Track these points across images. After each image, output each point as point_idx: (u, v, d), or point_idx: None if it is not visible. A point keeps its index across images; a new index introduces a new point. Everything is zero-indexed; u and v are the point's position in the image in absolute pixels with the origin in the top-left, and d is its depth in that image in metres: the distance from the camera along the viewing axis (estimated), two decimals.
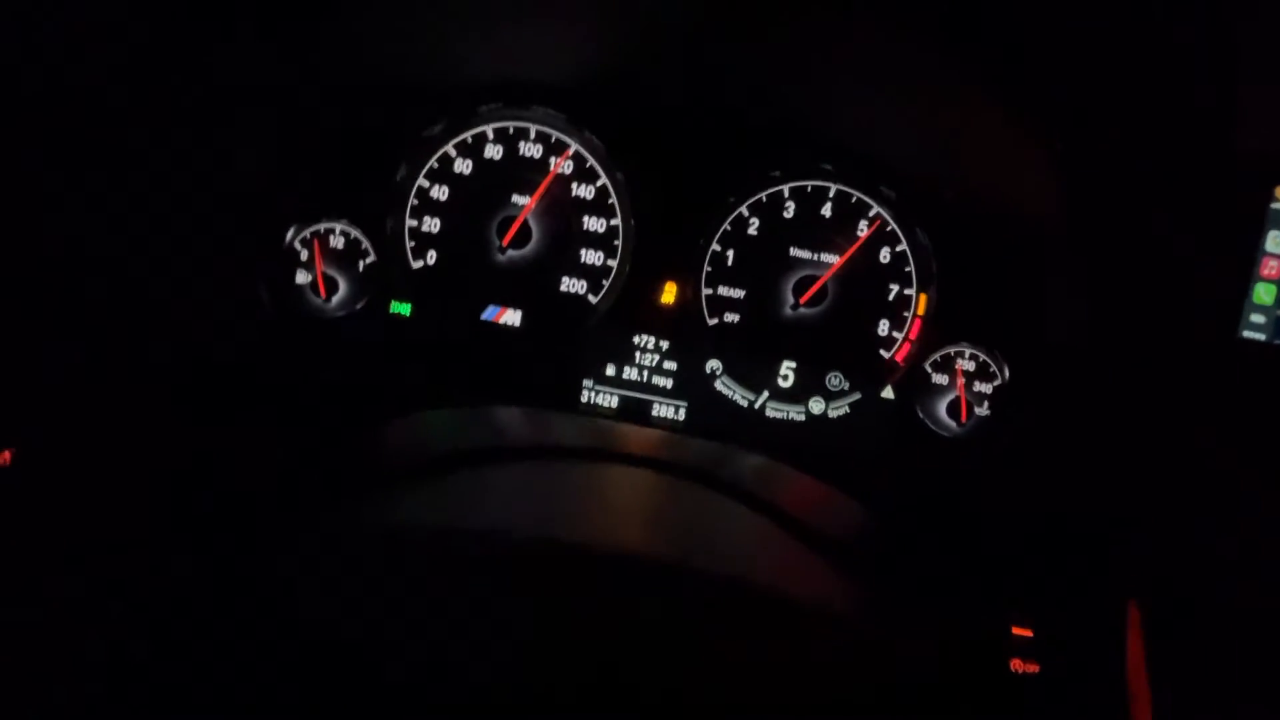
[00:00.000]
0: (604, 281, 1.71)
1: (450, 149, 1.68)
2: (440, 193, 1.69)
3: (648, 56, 1.57)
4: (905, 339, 1.68)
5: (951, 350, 1.68)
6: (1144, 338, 1.38)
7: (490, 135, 1.68)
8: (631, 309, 1.70)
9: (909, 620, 1.17)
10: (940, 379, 1.69)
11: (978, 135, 1.48)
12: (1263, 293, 1.38)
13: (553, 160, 1.68)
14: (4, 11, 1.14)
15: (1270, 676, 1.20)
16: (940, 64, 1.36)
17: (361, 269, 1.71)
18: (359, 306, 1.71)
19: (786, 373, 1.70)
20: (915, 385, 1.70)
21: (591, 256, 1.70)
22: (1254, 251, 1.38)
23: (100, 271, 1.35)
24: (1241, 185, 1.35)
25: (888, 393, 1.71)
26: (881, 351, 1.69)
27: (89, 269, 1.34)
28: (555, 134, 1.68)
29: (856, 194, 1.66)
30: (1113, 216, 1.36)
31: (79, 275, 1.32)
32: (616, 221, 1.69)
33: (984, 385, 1.68)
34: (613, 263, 1.70)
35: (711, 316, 1.71)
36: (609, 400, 1.72)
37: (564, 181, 1.69)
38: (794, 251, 1.68)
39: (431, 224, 1.70)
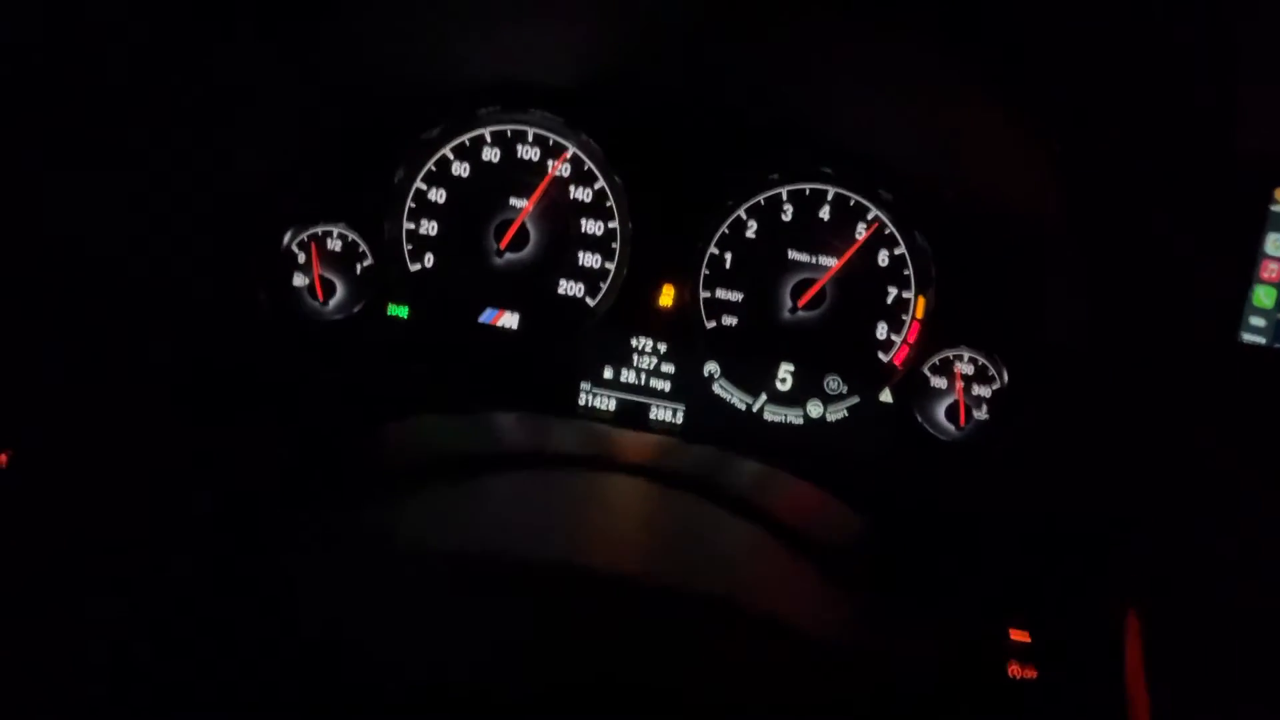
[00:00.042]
0: (602, 284, 1.71)
1: (448, 152, 1.68)
2: (438, 195, 1.69)
3: (646, 59, 1.57)
4: (904, 342, 1.68)
5: (950, 353, 1.68)
6: (1144, 340, 1.37)
7: (488, 138, 1.68)
8: (629, 312, 1.70)
9: (907, 624, 1.17)
10: (939, 382, 1.69)
11: (977, 136, 1.48)
12: (1262, 295, 1.38)
13: (550, 163, 1.68)
14: (4, 11, 1.14)
15: (1270, 677, 1.19)
16: (940, 64, 1.36)
17: (359, 272, 1.71)
18: (356, 309, 1.71)
19: (785, 376, 1.70)
20: (914, 389, 1.69)
21: (589, 259, 1.70)
22: (1254, 254, 1.37)
23: (100, 272, 1.35)
24: (1241, 187, 1.35)
25: (886, 396, 1.70)
26: (880, 355, 1.69)
27: (89, 269, 1.34)
28: (553, 137, 1.68)
29: (855, 197, 1.66)
30: (1113, 218, 1.35)
31: (79, 275, 1.33)
32: (614, 224, 1.69)
33: (983, 389, 1.68)
34: (610, 265, 1.70)
35: (709, 319, 1.70)
36: (607, 403, 1.71)
37: (562, 184, 1.69)
38: (792, 254, 1.68)
39: (429, 227, 1.70)
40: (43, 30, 1.17)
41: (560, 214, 1.69)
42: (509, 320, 1.72)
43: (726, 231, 1.68)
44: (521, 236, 1.68)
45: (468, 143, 1.68)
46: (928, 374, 1.69)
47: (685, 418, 1.71)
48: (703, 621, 1.01)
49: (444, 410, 1.52)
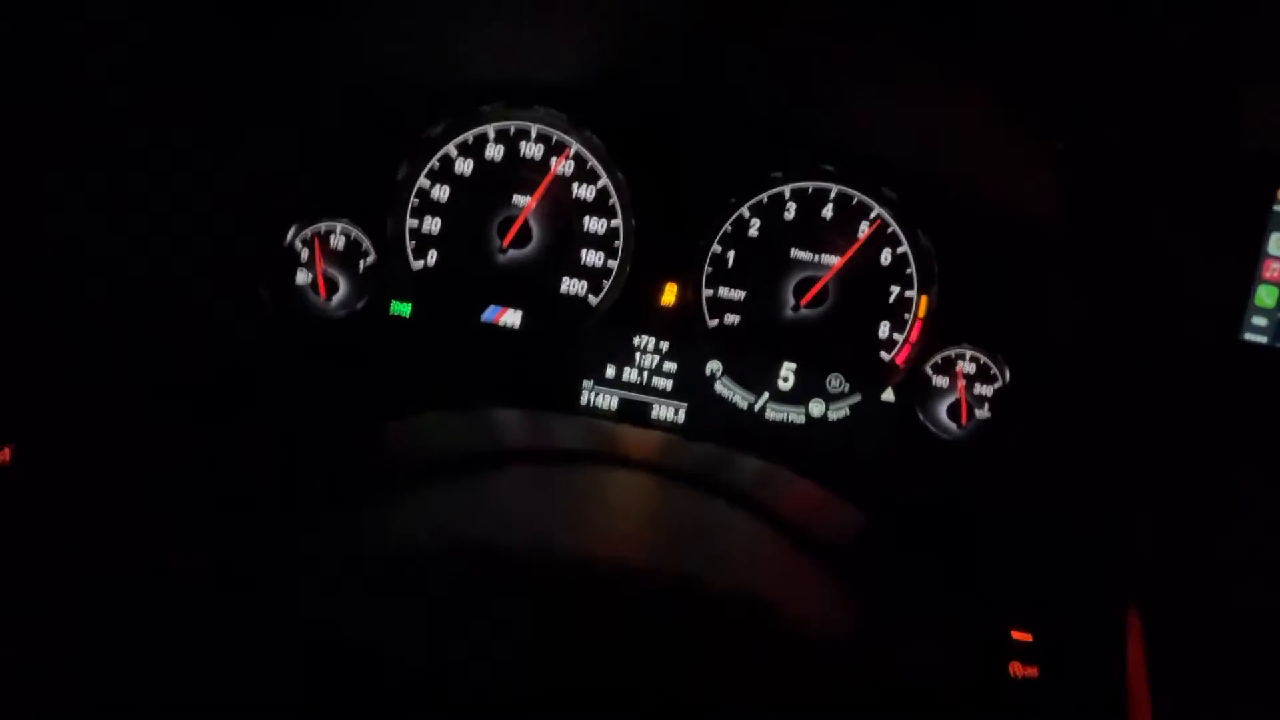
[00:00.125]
0: (604, 282, 1.71)
1: (451, 149, 1.68)
2: (441, 193, 1.69)
3: (649, 57, 1.57)
4: (906, 341, 1.68)
5: (952, 352, 1.68)
6: (1145, 340, 1.38)
7: (491, 135, 1.68)
8: (632, 310, 1.70)
9: (908, 623, 1.17)
10: (941, 381, 1.69)
11: (979, 136, 1.48)
12: (1264, 295, 1.38)
13: (553, 160, 1.68)
14: (5, 11, 1.14)
15: (1270, 676, 1.19)
16: (941, 64, 1.36)
17: (362, 269, 1.71)
18: (359, 306, 1.71)
19: (787, 374, 1.70)
20: (916, 387, 1.70)
21: (592, 257, 1.70)
22: (1256, 254, 1.37)
23: (100, 271, 1.35)
24: (1244, 187, 1.35)
25: (888, 395, 1.70)
26: (882, 353, 1.69)
27: (89, 269, 1.34)
28: (556, 134, 1.68)
29: (858, 195, 1.66)
30: (1114, 218, 1.35)
31: (79, 275, 1.32)
32: (617, 222, 1.69)
33: (985, 387, 1.68)
34: (613, 263, 1.70)
35: (712, 318, 1.70)
36: (608, 401, 1.72)
37: (565, 182, 1.69)
38: (795, 253, 1.68)
39: (432, 224, 1.70)
40: (44, 30, 1.17)
41: (563, 212, 1.69)
42: (511, 318, 1.72)
43: (729, 229, 1.68)
44: (524, 234, 1.69)
45: (471, 140, 1.68)
46: (930, 373, 1.69)
47: (687, 416, 1.72)
48: (703, 619, 1.01)
49: (446, 408, 1.52)
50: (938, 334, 1.68)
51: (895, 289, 1.68)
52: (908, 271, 1.67)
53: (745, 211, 1.67)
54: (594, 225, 1.70)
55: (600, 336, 1.71)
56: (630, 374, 1.71)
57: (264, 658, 0.93)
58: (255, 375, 1.63)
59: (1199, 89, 1.22)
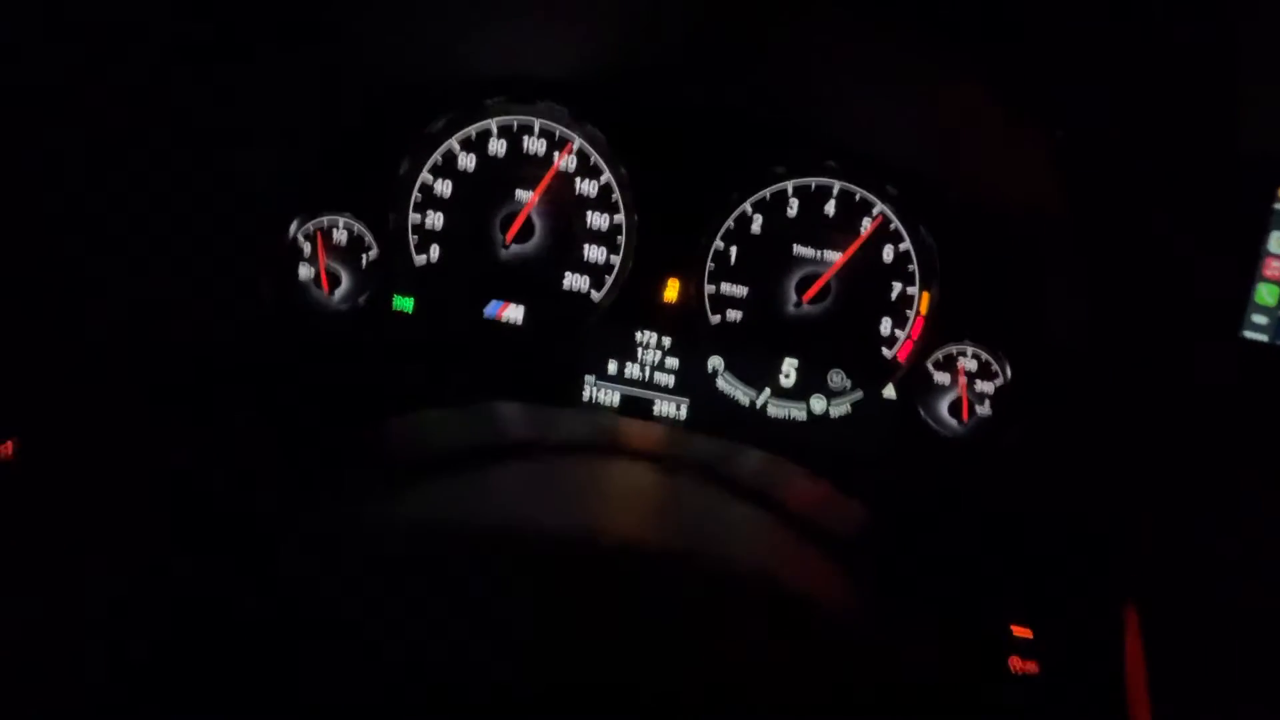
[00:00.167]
0: (606, 278, 1.71)
1: (454, 144, 1.68)
2: (444, 188, 1.69)
3: (651, 53, 1.57)
4: (907, 337, 1.69)
5: (954, 349, 1.69)
6: (1146, 338, 1.38)
7: (494, 130, 1.68)
8: (634, 306, 1.71)
9: (909, 619, 1.17)
10: (942, 378, 1.70)
11: (979, 136, 1.48)
12: (1265, 293, 1.38)
13: (556, 156, 1.68)
14: (12, 11, 1.14)
15: (1270, 676, 1.20)
16: (941, 64, 1.36)
17: (364, 264, 1.71)
18: (361, 301, 1.72)
19: (788, 371, 1.71)
20: (917, 384, 1.70)
21: (594, 253, 1.71)
22: (1256, 252, 1.38)
23: (103, 268, 1.35)
24: (1245, 185, 1.35)
25: (889, 391, 1.71)
26: (884, 350, 1.70)
27: (91, 265, 1.34)
28: (559, 129, 1.68)
29: (860, 192, 1.67)
30: (1115, 217, 1.36)
31: (81, 271, 1.33)
32: (620, 218, 1.70)
33: (986, 384, 1.68)
34: (615, 259, 1.70)
35: (714, 314, 1.71)
36: (610, 397, 1.72)
37: (567, 178, 1.69)
38: (797, 249, 1.68)
39: (435, 219, 1.70)
40: (46, 29, 1.17)
41: (566, 207, 1.70)
42: (514, 313, 1.72)
43: (731, 226, 1.68)
44: (527, 229, 1.69)
45: (474, 135, 1.68)
46: (931, 369, 1.70)
47: (689, 412, 1.72)
48: (708, 606, 1.02)
49: (447, 403, 1.52)
50: (939, 331, 1.68)
51: (897, 286, 1.68)
52: (910, 268, 1.67)
53: (748, 208, 1.68)
54: (596, 221, 1.70)
55: (602, 332, 1.71)
56: (632, 370, 1.71)
57: (266, 653, 0.93)
58: (257, 369, 1.63)
59: (1199, 89, 1.22)
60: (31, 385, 1.28)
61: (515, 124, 1.68)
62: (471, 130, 1.68)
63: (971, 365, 1.68)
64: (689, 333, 1.71)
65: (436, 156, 1.68)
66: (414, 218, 1.70)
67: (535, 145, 1.68)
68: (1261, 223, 1.37)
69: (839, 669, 1.03)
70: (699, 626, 1.01)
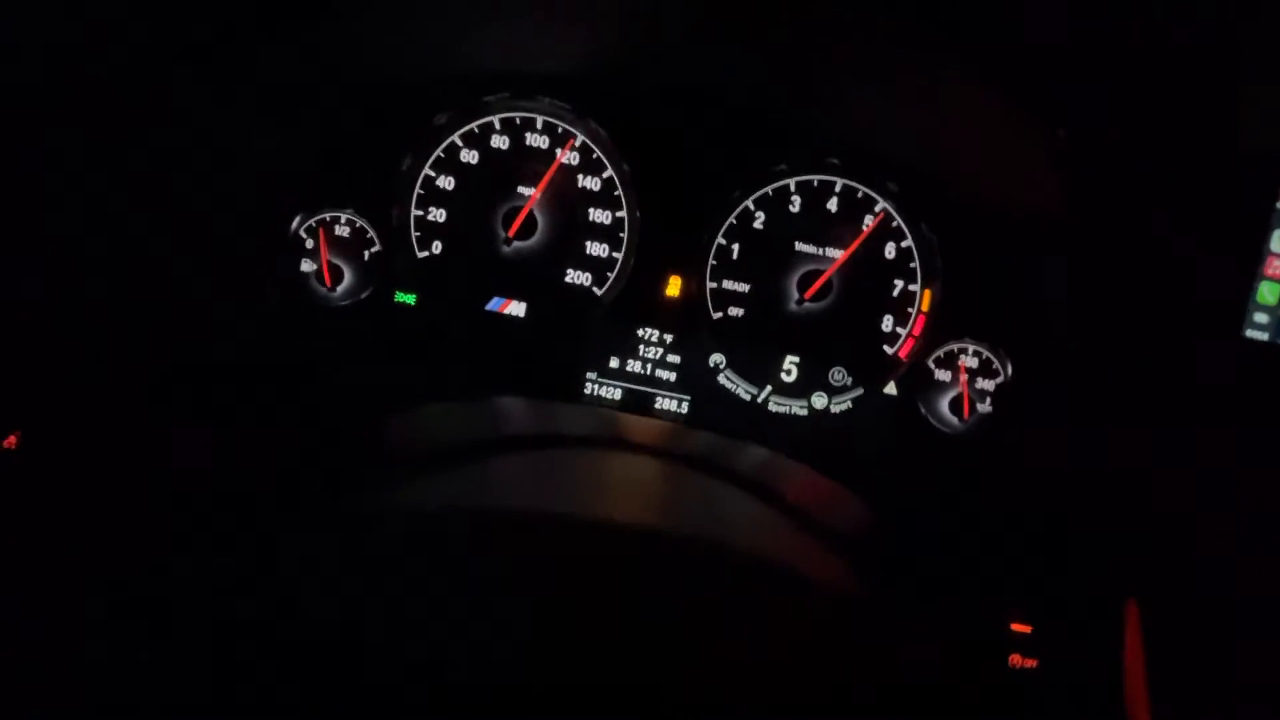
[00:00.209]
0: (609, 274, 1.71)
1: (457, 139, 1.68)
2: (446, 183, 1.69)
3: (653, 48, 1.57)
4: (909, 335, 1.69)
5: (955, 346, 1.69)
6: (1146, 337, 1.38)
7: (497, 125, 1.68)
8: (636, 302, 1.71)
9: (909, 615, 1.18)
10: (943, 375, 1.70)
11: (979, 135, 1.48)
12: (1266, 292, 1.38)
13: (558, 151, 1.68)
14: (8, 9, 1.14)
15: (1270, 676, 1.20)
16: (941, 64, 1.36)
17: (367, 258, 1.72)
18: (364, 296, 1.72)
19: (790, 367, 1.71)
20: (918, 381, 1.70)
21: (597, 248, 1.71)
22: (1258, 251, 1.38)
23: (105, 262, 1.36)
24: (1246, 185, 1.35)
25: (890, 389, 1.71)
26: (885, 347, 1.70)
27: (93, 260, 1.34)
28: (562, 125, 1.68)
29: (862, 189, 1.67)
30: (1116, 215, 1.36)
31: (83, 267, 1.33)
32: (622, 214, 1.70)
33: (986, 382, 1.68)
34: (618, 255, 1.71)
35: (716, 310, 1.71)
36: (612, 393, 1.72)
37: (570, 173, 1.69)
38: (799, 246, 1.68)
39: (437, 214, 1.70)
40: (47, 26, 1.17)
41: (568, 203, 1.70)
42: (516, 309, 1.72)
43: (734, 222, 1.68)
44: (529, 225, 1.69)
45: (476, 130, 1.68)
46: (932, 367, 1.70)
47: (690, 408, 1.72)
48: (702, 613, 1.02)
49: (449, 398, 1.52)
50: (941, 328, 1.68)
51: (899, 283, 1.68)
52: (911, 265, 1.67)
53: (750, 204, 1.68)
54: (599, 216, 1.70)
55: (604, 328, 1.71)
56: (634, 366, 1.72)
57: (265, 654, 0.94)
58: (259, 364, 1.64)
59: (1199, 89, 1.22)
60: (33, 384, 1.28)
61: (518, 119, 1.68)
62: (474, 125, 1.68)
63: (972, 363, 1.68)
64: (691, 329, 1.71)
65: (439, 151, 1.68)
66: (417, 212, 1.70)
67: (538, 140, 1.68)
68: (1263, 222, 1.37)
69: (839, 665, 1.03)
70: (700, 625, 1.01)
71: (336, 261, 1.71)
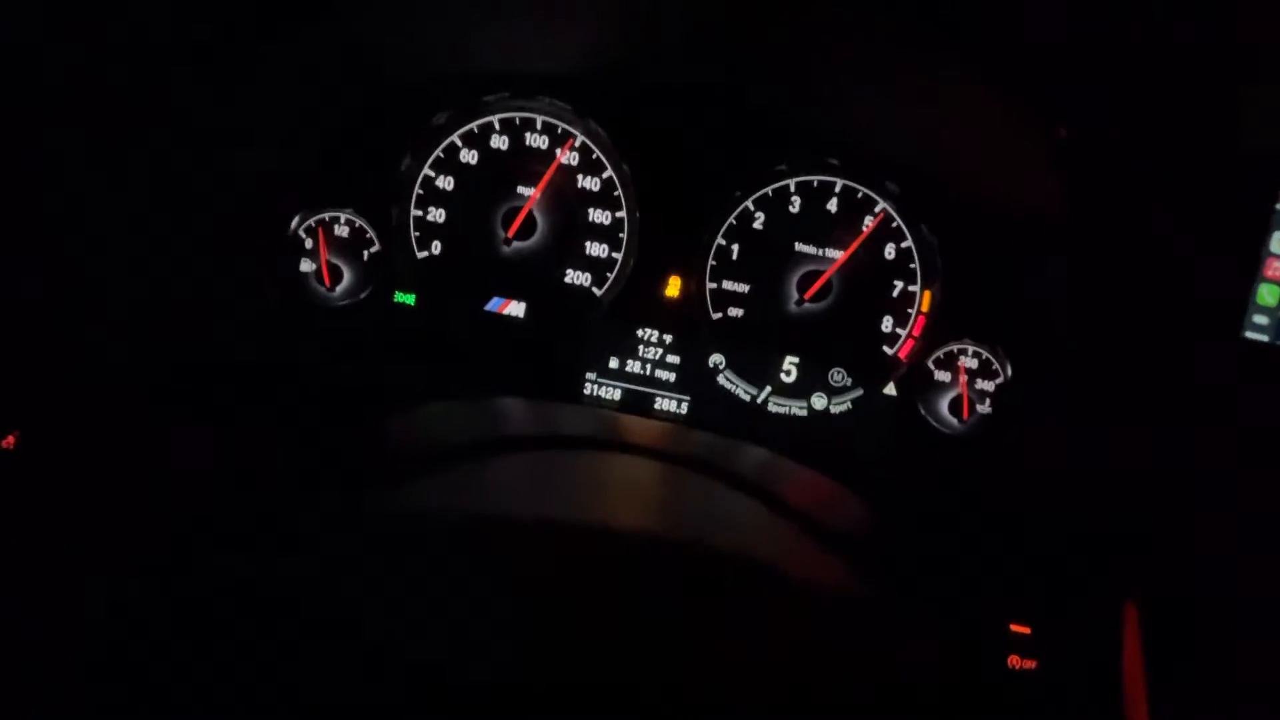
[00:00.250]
0: (609, 274, 1.71)
1: (456, 139, 1.68)
2: (446, 183, 1.69)
3: (653, 49, 1.57)
4: (909, 335, 1.69)
5: (954, 347, 1.69)
6: (1146, 337, 1.38)
7: (496, 125, 1.68)
8: (635, 302, 1.71)
9: (909, 616, 1.18)
10: (943, 376, 1.70)
11: (979, 136, 1.48)
12: (1266, 294, 1.38)
13: (558, 151, 1.68)
14: (9, 9, 1.14)
15: (1270, 677, 1.20)
16: (941, 64, 1.36)
17: (366, 258, 1.72)
18: (363, 296, 1.72)
19: (789, 368, 1.71)
20: (917, 382, 1.70)
21: (597, 249, 1.71)
22: (1257, 252, 1.38)
23: (105, 262, 1.36)
24: (1246, 186, 1.35)
25: (890, 389, 1.71)
26: (885, 348, 1.70)
27: (93, 260, 1.34)
28: (561, 125, 1.68)
29: (862, 189, 1.67)
30: (1116, 215, 1.36)
31: (83, 266, 1.33)
32: (622, 214, 1.70)
33: (986, 383, 1.68)
34: (617, 255, 1.70)
35: (715, 311, 1.71)
36: (611, 393, 1.72)
37: (569, 173, 1.69)
38: (799, 246, 1.68)
39: (437, 214, 1.70)
40: (47, 28, 1.17)
41: (567, 203, 1.70)
42: (515, 309, 1.72)
43: (733, 222, 1.68)
44: (529, 225, 1.69)
45: (476, 130, 1.68)
46: (932, 367, 1.70)
47: (690, 409, 1.72)
48: (702, 613, 1.02)
49: (448, 398, 1.52)
50: (940, 329, 1.68)
51: (898, 283, 1.68)
52: (911, 266, 1.67)
53: (750, 205, 1.68)
54: (598, 217, 1.70)
55: (604, 328, 1.71)
56: (633, 366, 1.72)
57: (265, 653, 0.94)
58: (259, 362, 1.64)
59: (1199, 89, 1.22)
60: (33, 384, 1.28)
61: (517, 119, 1.68)
62: (474, 125, 1.67)
63: (972, 363, 1.68)
64: (690, 329, 1.71)
65: (439, 151, 1.68)
66: (416, 212, 1.70)
67: (537, 140, 1.68)
68: (1263, 223, 1.37)
69: (838, 666, 1.03)
70: (700, 624, 1.01)
71: (336, 261, 1.71)
